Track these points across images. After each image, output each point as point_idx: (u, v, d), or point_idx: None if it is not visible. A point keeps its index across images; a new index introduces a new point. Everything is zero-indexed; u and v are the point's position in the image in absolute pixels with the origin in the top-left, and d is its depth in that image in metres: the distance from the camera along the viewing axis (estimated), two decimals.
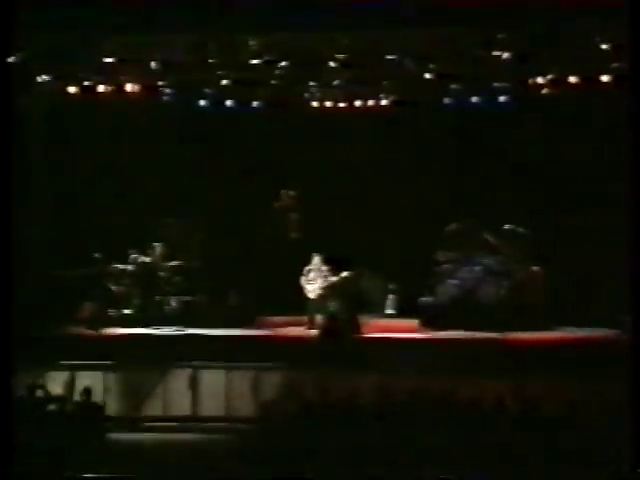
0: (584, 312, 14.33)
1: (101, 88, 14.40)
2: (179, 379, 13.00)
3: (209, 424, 12.58)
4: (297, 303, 14.94)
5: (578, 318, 14.30)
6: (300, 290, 14.94)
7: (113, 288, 15.08)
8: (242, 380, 12.82)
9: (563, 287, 14.66)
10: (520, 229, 15.00)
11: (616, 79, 13.65)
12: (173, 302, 15.32)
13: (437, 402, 10.39)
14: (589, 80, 13.87)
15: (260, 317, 15.34)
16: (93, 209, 15.71)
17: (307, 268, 14.90)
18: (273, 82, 14.63)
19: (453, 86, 14.64)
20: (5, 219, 9.32)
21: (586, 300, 14.51)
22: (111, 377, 12.91)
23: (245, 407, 12.40)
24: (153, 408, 12.96)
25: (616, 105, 13.96)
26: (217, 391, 12.84)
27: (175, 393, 13.02)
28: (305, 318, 14.82)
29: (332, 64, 13.90)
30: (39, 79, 14.12)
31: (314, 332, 14.28)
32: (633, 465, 8.06)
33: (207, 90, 14.96)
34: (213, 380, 12.95)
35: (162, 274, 15.37)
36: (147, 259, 15.40)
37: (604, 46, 13.11)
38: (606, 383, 11.23)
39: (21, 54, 13.63)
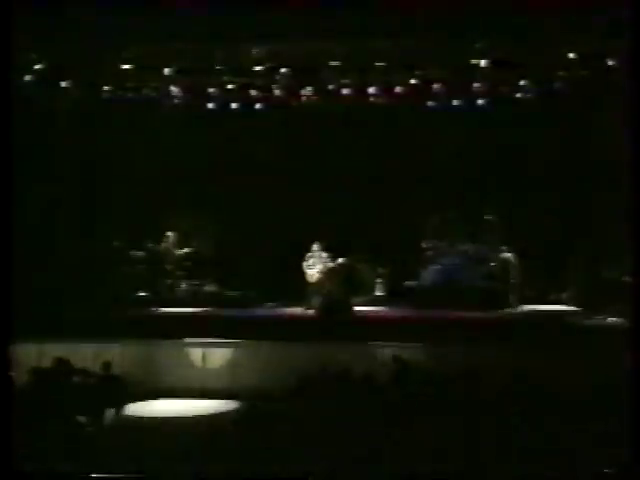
0: (554, 293, 15.40)
1: (120, 92, 15.13)
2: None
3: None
4: (297, 286, 15.48)
5: (548, 299, 15.33)
6: (298, 274, 15.42)
7: (130, 273, 15.82)
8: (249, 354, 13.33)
9: (535, 271, 15.37)
10: (497, 219, 15.70)
11: (581, 84, 14.64)
12: (183, 285, 16.17)
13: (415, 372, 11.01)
14: (557, 85, 14.76)
15: (262, 299, 15.99)
16: (113, 201, 16.30)
17: (308, 255, 15.47)
18: (274, 86, 15.15)
19: (436, 90, 15.02)
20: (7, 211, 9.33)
21: (555, 282, 15.45)
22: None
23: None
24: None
25: (582, 106, 15.31)
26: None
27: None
28: (305, 299, 15.42)
29: (327, 71, 14.67)
30: (63, 83, 14.80)
31: (312, 312, 14.98)
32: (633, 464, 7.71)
33: (214, 93, 15.41)
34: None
35: (174, 260, 16.12)
36: (161, 246, 16.15)
37: (571, 55, 14.01)
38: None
39: (46, 60, 14.62)
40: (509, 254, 15.55)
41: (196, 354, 13.41)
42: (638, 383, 8.20)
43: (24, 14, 11.17)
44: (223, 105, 15.79)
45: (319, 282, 15.30)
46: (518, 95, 15.23)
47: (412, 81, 14.95)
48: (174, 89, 15.43)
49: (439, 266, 15.84)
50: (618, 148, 14.15)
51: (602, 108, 14.84)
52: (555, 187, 15.99)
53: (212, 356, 13.42)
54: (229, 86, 15.24)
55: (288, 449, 9.05)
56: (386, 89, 15.26)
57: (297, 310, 15.43)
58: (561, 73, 14.59)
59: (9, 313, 8.64)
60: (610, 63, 14.03)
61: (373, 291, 16.43)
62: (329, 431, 9.46)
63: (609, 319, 13.82)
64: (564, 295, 15.55)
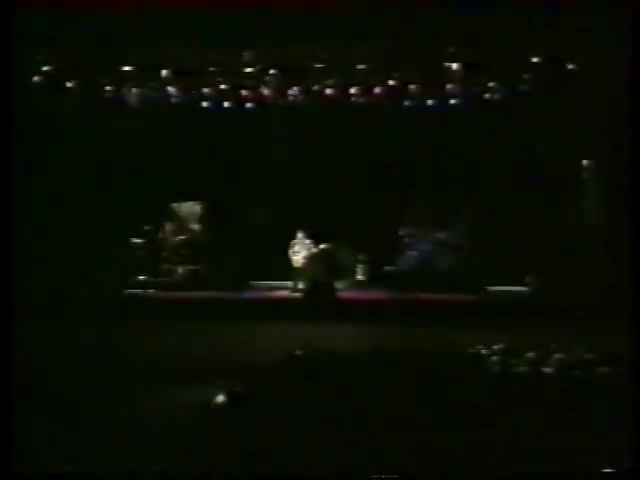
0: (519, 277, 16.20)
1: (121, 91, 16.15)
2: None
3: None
4: (284, 271, 16.25)
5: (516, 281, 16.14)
6: (284, 260, 16.13)
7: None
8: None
9: (504, 256, 16.18)
10: (467, 209, 16.62)
11: (547, 87, 15.63)
12: (180, 270, 16.88)
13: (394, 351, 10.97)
14: (523, 87, 15.69)
15: (252, 282, 16.68)
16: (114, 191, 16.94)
17: (293, 242, 16.16)
18: (263, 86, 16.08)
19: (412, 90, 15.85)
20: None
21: (519, 266, 16.21)
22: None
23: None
24: None
25: (545, 107, 16.22)
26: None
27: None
28: (290, 283, 16.16)
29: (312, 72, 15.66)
30: (68, 84, 15.79)
31: (298, 295, 15.72)
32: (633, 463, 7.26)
33: (208, 93, 16.30)
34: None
35: (171, 247, 16.93)
36: (159, 234, 16.98)
37: (535, 59, 14.96)
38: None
39: (53, 64, 15.51)
40: (480, 241, 16.46)
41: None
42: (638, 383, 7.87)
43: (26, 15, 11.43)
44: (216, 104, 16.72)
45: (304, 267, 15.95)
46: (487, 96, 16.23)
47: (391, 82, 15.93)
48: (170, 89, 16.41)
49: (416, 252, 16.66)
50: (582, 145, 15.48)
51: (565, 109, 15.92)
52: (521, 181, 16.87)
53: (206, 337, 13.52)
54: (222, 86, 16.23)
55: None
56: (367, 89, 16.19)
57: (284, 293, 16.09)
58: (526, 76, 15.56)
59: (10, 297, 8.47)
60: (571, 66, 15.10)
61: (355, 275, 17.11)
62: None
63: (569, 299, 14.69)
64: (530, 278, 16.23)
